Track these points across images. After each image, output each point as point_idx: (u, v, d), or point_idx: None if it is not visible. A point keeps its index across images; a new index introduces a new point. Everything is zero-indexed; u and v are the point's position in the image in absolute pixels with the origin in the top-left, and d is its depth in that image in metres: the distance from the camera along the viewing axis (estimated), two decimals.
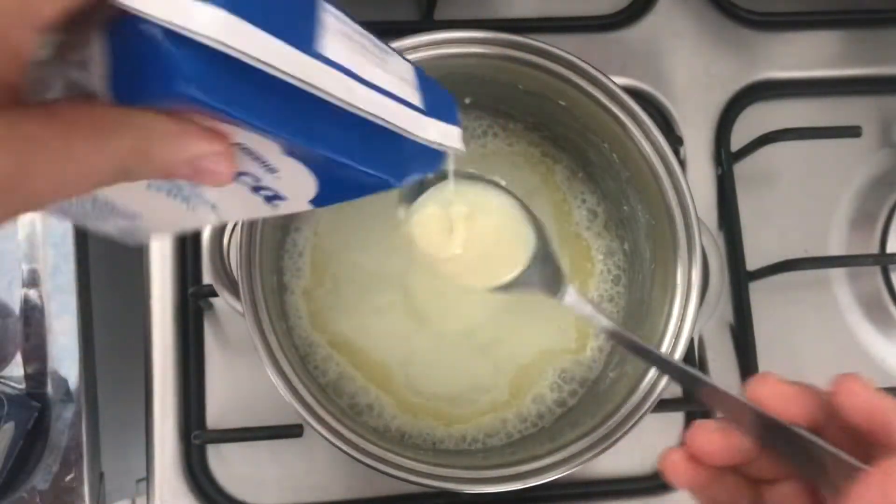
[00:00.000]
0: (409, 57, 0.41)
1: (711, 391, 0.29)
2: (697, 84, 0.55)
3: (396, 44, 0.41)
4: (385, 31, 0.53)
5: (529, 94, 0.44)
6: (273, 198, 0.26)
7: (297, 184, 0.24)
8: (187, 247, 0.49)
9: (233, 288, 0.42)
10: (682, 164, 0.52)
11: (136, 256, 0.49)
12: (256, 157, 0.23)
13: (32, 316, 0.47)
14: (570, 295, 0.36)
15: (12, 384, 0.46)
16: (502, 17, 0.55)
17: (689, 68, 0.55)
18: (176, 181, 0.25)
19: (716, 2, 0.57)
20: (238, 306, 0.39)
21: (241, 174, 0.24)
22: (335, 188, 0.25)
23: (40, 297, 0.48)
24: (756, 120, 0.54)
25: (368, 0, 0.54)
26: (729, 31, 0.56)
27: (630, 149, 0.42)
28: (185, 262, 0.49)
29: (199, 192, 0.26)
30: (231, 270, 0.43)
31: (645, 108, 0.41)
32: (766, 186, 0.54)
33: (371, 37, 0.25)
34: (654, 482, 0.49)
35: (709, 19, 0.56)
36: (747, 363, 0.50)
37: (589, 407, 0.44)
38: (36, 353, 0.47)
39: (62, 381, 0.47)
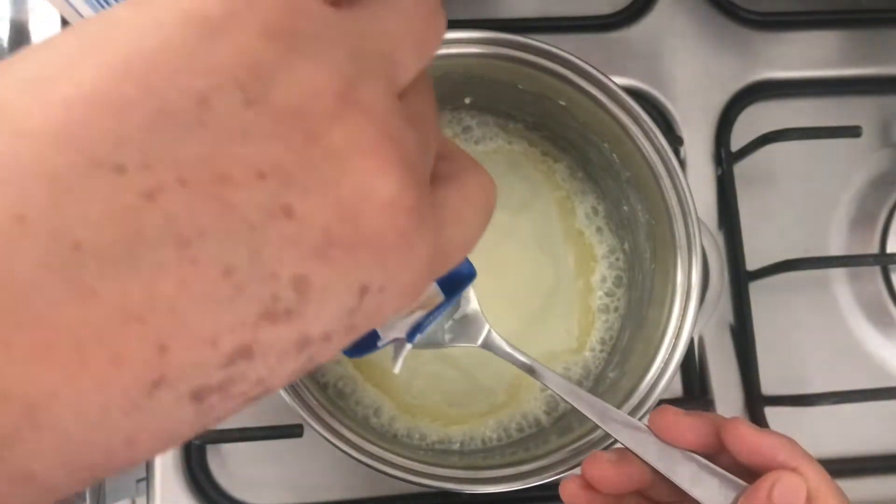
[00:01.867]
0: None
1: (620, 423, 0.32)
2: (697, 84, 0.55)
3: None
4: None
5: (529, 94, 0.44)
6: None
7: None
8: None
9: None
10: (682, 164, 0.52)
11: None
12: None
13: None
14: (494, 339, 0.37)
15: None
16: (502, 17, 0.55)
17: (689, 68, 0.55)
18: None
19: (716, 2, 0.56)
20: None
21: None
22: None
23: None
24: (756, 120, 0.54)
25: None
26: (729, 31, 0.56)
27: (630, 149, 0.42)
28: None
29: None
30: None
31: (645, 108, 0.41)
32: (766, 186, 0.54)
33: None
34: None
35: (709, 19, 0.56)
36: (747, 363, 0.50)
37: None
38: None
39: None
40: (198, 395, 0.13)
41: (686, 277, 0.41)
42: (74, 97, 0.12)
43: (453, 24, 0.44)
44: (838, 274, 0.53)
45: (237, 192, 0.13)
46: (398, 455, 0.38)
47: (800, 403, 0.49)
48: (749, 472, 0.30)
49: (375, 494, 0.47)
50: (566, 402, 0.34)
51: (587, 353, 0.47)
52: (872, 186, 0.55)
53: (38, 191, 0.12)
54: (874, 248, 0.53)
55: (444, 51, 0.41)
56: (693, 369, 0.50)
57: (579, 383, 0.46)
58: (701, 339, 0.51)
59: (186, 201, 0.12)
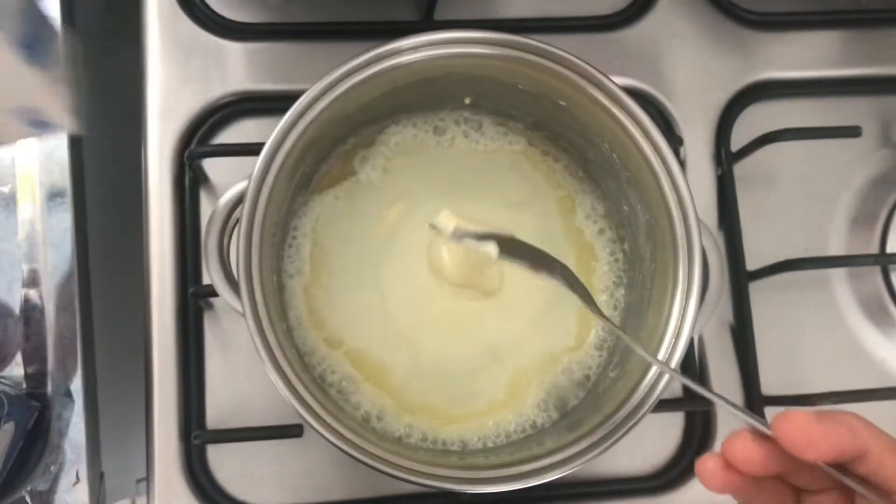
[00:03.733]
0: (410, 57, 0.41)
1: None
2: (697, 84, 0.55)
3: (396, 44, 0.41)
4: (385, 31, 0.54)
5: (529, 94, 0.44)
6: None
7: None
8: (187, 246, 0.49)
9: (233, 288, 0.42)
10: (682, 164, 0.52)
11: (136, 256, 0.49)
12: None
13: (32, 316, 0.47)
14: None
15: (12, 384, 0.47)
16: (502, 17, 0.55)
17: (689, 68, 0.55)
18: None
19: (716, 2, 0.56)
20: (238, 306, 0.39)
21: None
22: None
23: (40, 297, 0.48)
24: (756, 120, 0.54)
25: (369, 0, 0.54)
26: (729, 31, 0.56)
27: (630, 149, 0.42)
28: (185, 262, 0.49)
29: None
30: (231, 270, 0.43)
31: (645, 108, 0.41)
32: (766, 186, 0.54)
33: None
34: (655, 482, 0.49)
35: (709, 19, 0.56)
36: (747, 363, 0.50)
37: (589, 407, 0.44)
38: (36, 353, 0.47)
39: (62, 381, 0.47)
40: None
41: (686, 277, 0.41)
42: None
43: (453, 24, 0.44)
44: (838, 274, 0.53)
45: None
46: (398, 455, 0.38)
47: (800, 403, 0.49)
48: None
49: (375, 494, 0.47)
50: (701, 394, 0.31)
51: (587, 353, 0.47)
52: (872, 186, 0.55)
53: None
54: (874, 248, 0.53)
55: (444, 51, 0.41)
56: (693, 369, 0.50)
57: (580, 383, 0.46)
58: (701, 339, 0.51)
59: None
